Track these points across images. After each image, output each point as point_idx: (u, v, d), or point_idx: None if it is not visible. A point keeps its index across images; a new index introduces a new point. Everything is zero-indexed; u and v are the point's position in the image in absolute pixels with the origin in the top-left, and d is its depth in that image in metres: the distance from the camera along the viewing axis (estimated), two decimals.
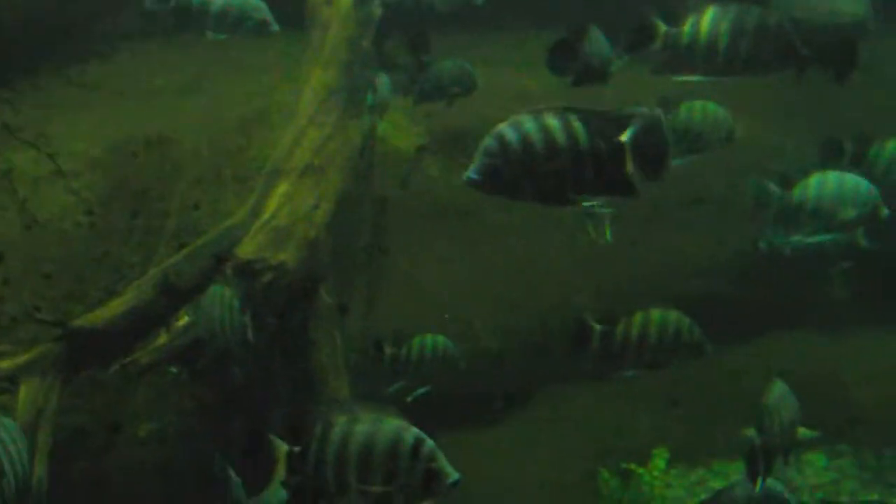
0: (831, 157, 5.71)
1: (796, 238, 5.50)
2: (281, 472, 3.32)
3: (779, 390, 4.85)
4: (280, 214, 6.24)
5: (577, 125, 3.27)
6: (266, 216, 6.25)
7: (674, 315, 4.86)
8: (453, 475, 3.34)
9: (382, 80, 6.36)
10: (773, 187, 5.36)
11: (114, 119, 7.54)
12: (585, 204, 3.36)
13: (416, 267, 7.23)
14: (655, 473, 5.82)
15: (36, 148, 6.92)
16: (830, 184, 5.32)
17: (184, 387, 6.15)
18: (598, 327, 4.80)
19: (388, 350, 5.78)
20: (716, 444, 6.96)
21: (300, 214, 6.27)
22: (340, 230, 6.65)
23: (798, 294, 7.55)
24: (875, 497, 6.57)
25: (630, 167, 3.28)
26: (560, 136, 3.26)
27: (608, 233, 5.41)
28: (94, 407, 6.08)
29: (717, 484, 6.72)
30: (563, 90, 5.51)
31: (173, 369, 5.90)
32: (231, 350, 4.96)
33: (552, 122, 3.26)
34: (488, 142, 3.32)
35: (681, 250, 7.57)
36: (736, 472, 6.94)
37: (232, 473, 4.61)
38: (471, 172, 3.33)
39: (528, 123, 3.28)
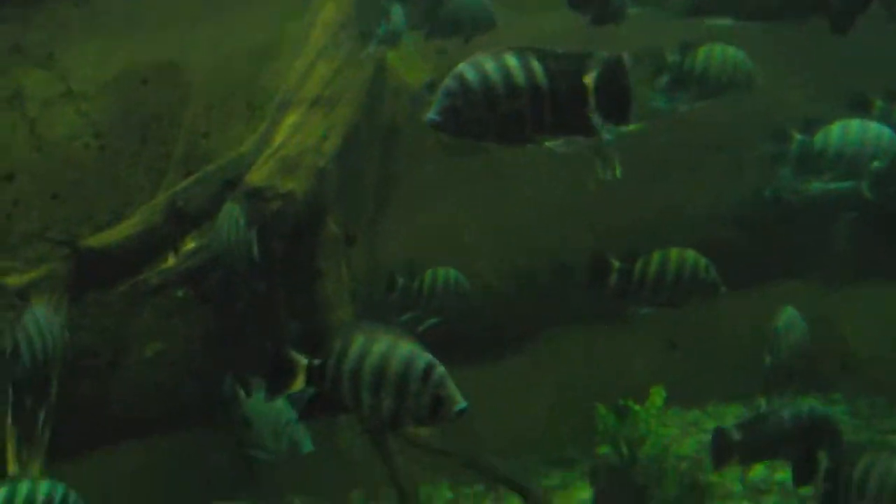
0: (858, 111, 5.66)
1: (816, 185, 5.50)
2: (298, 384, 3.39)
3: (788, 315, 4.97)
4: (289, 144, 6.27)
5: (537, 65, 3.24)
6: (275, 145, 6.27)
7: (691, 254, 4.94)
8: (461, 403, 3.38)
9: (396, 12, 6.31)
10: (795, 133, 5.33)
11: (123, 44, 7.48)
12: (548, 144, 3.36)
13: (422, 202, 7.25)
14: (652, 411, 5.90)
15: (46, 69, 6.89)
16: (853, 131, 5.29)
17: (191, 309, 6.22)
18: (616, 263, 4.85)
19: (400, 281, 5.82)
20: (712, 387, 7.07)
21: (309, 145, 6.30)
22: (349, 162, 6.66)
23: (801, 244, 7.59)
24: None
25: (591, 108, 3.27)
26: (520, 77, 3.23)
27: (618, 170, 5.42)
28: (101, 326, 6.15)
29: (711, 425, 6.82)
30: (581, 30, 5.50)
31: (180, 292, 5.96)
32: (237, 266, 5.00)
33: (512, 62, 3.23)
34: (448, 82, 3.27)
35: (688, 196, 7.58)
36: (731, 414, 7.08)
37: (241, 392, 4.69)
38: (431, 114, 3.29)
39: (489, 64, 3.23)
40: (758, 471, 6.36)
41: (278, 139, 6.33)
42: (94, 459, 6.03)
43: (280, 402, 4.58)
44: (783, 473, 6.18)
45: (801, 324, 5.03)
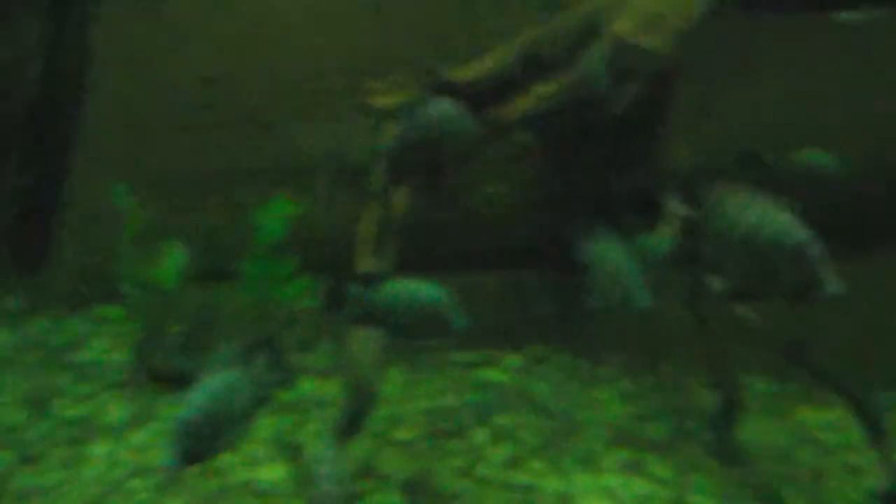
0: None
1: None
2: (670, 231, 3.29)
3: None
4: (654, 1, 6.01)
5: None
6: (640, 1, 6.04)
7: None
8: (836, 286, 3.12)
9: None
10: None
11: None
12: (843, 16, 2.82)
13: (782, 78, 6.71)
14: None
15: None
16: None
17: (532, 154, 6.28)
18: None
19: (768, 159, 5.47)
20: None
21: (675, 5, 6.01)
22: (710, 30, 6.27)
23: None
24: None
25: None
26: None
27: None
28: None
29: None
30: None
31: (522, 137, 6.01)
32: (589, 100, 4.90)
33: None
34: None
35: None
36: None
37: (584, 237, 4.67)
38: None
39: None
40: None
41: None
42: None
43: (623, 253, 4.50)
44: None
45: None
